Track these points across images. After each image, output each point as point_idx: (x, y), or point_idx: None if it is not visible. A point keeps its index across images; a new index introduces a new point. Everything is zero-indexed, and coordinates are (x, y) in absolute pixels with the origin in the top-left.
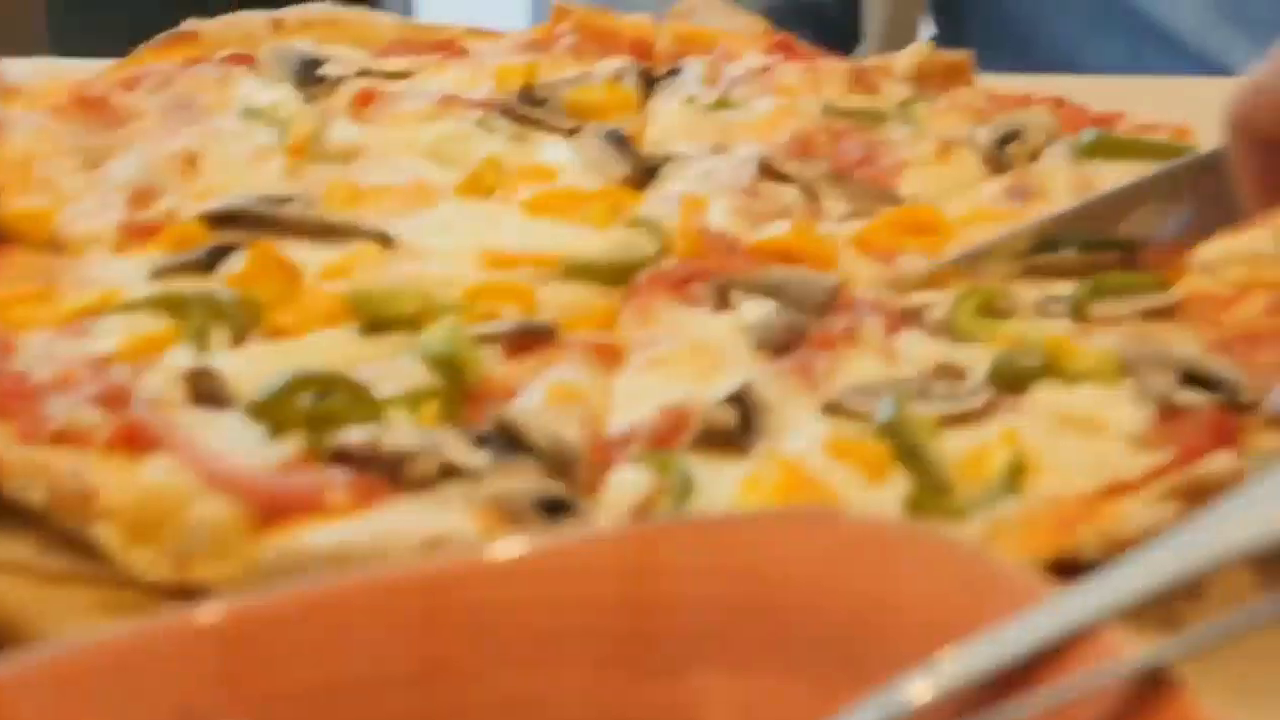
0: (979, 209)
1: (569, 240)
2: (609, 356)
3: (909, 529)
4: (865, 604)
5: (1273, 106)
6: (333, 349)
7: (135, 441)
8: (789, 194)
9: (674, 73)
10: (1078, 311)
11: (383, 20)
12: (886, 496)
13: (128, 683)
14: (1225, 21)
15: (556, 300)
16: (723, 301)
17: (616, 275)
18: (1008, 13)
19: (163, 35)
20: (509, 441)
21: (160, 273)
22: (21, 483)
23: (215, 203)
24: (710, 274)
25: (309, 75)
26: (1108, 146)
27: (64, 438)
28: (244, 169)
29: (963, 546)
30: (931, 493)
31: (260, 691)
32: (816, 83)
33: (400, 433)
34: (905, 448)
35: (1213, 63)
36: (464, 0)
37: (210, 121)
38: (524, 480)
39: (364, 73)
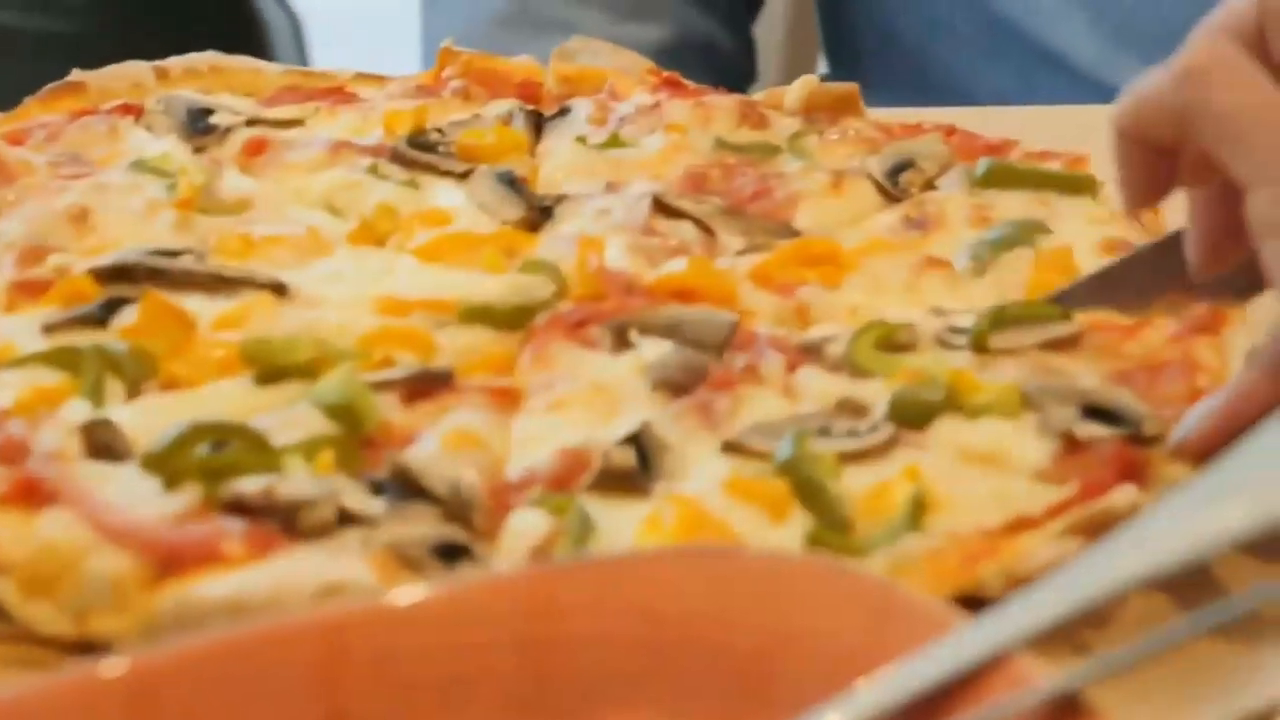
0: (875, 239)
1: (465, 285)
2: (507, 400)
3: (810, 562)
4: (770, 638)
5: (1154, 114)
6: (228, 399)
7: (32, 495)
8: (685, 230)
9: (563, 113)
10: (978, 343)
11: (269, 67)
12: (787, 535)
13: None
14: (1118, 47)
15: (453, 345)
16: (621, 342)
17: (514, 319)
18: (900, 46)
19: (49, 87)
20: (406, 488)
21: (53, 327)
22: None
23: (106, 258)
24: (606, 315)
25: (197, 125)
26: (1004, 175)
27: None
28: (135, 223)
29: (866, 578)
30: (832, 531)
31: None
32: (706, 118)
33: (295, 481)
34: (805, 486)
35: (1106, 88)
36: (356, 48)
37: (100, 175)
38: (421, 526)
39: (253, 121)
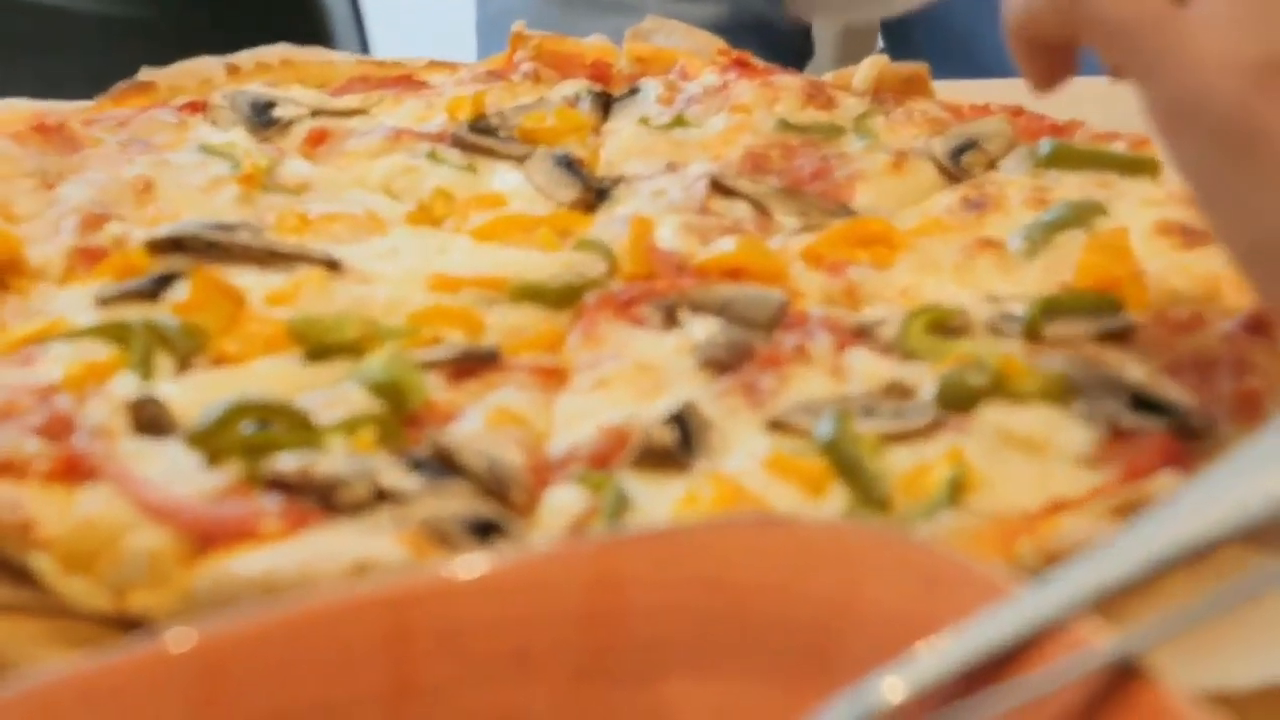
0: (932, 219)
1: (517, 264)
2: (553, 379)
3: (866, 530)
4: (829, 606)
5: (1047, 19)
6: (276, 376)
7: (74, 472)
8: (740, 209)
9: (632, 93)
10: (1030, 331)
11: (341, 58)
12: (824, 511)
13: (103, 714)
14: None
15: (503, 324)
16: (670, 321)
17: (564, 298)
18: (950, 27)
19: (119, 85)
20: (444, 465)
21: (105, 301)
22: None
23: (162, 229)
24: (657, 294)
25: (261, 118)
26: (1065, 156)
27: (4, 468)
28: (197, 197)
29: (921, 545)
30: (870, 507)
31: (233, 717)
32: (772, 98)
33: (332, 459)
34: (844, 463)
35: None
36: (415, 31)
37: (166, 155)
38: (455, 503)
39: (317, 112)
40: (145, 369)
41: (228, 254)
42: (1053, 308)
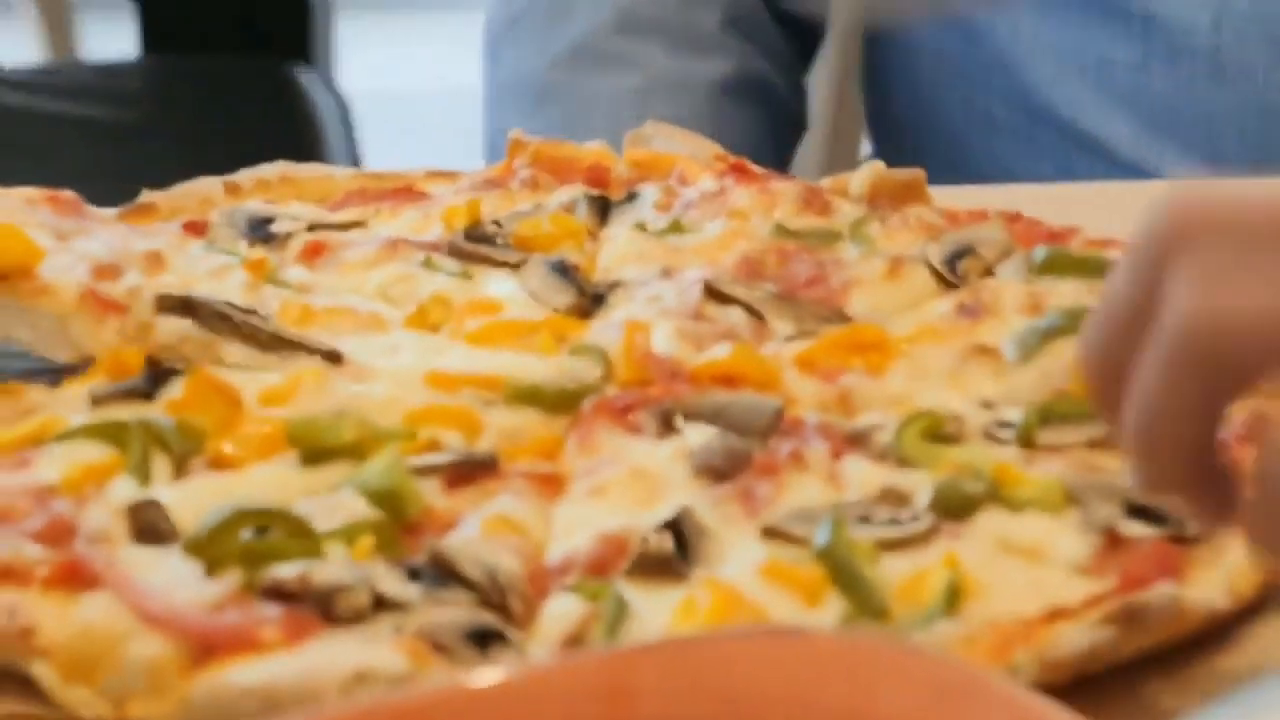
0: (926, 326)
1: (514, 366)
2: (550, 486)
3: (879, 641)
4: (841, 717)
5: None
6: (273, 481)
7: (75, 578)
8: (735, 315)
9: (631, 198)
10: (1025, 438)
11: (339, 173)
12: (822, 620)
13: None
14: (1156, 135)
15: (500, 426)
16: (666, 427)
17: (561, 403)
18: (940, 130)
19: (120, 209)
20: (443, 573)
21: (99, 400)
22: None
23: (177, 289)
24: (652, 401)
25: (259, 233)
26: (1060, 263)
27: (4, 574)
28: (206, 277)
29: (935, 655)
30: (867, 615)
31: None
32: (768, 204)
33: (332, 567)
34: (841, 571)
35: (1146, 175)
36: (403, 129)
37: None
38: (455, 612)
39: (314, 226)
40: (143, 472)
41: (235, 331)
42: (1047, 414)
